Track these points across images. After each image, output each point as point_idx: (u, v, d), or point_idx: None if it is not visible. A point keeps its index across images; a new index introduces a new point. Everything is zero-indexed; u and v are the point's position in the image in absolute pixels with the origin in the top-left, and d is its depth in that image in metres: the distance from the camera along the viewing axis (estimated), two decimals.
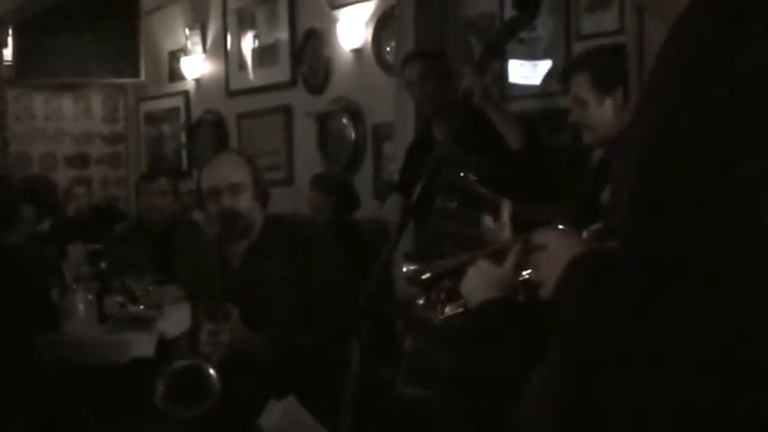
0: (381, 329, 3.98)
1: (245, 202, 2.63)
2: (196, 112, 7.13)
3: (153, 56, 7.58)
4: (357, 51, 5.47)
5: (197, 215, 4.23)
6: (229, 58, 6.65)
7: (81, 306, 3.66)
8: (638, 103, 1.08)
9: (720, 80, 0.87)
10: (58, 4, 7.01)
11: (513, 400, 1.14)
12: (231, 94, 6.68)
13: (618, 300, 0.92)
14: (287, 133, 6.16)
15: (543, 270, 1.11)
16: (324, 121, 5.74)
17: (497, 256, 1.43)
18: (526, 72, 4.28)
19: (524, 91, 4.28)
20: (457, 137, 3.16)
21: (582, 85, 2.37)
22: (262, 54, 6.34)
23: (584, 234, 1.17)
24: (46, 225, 4.80)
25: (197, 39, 7.01)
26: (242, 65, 6.53)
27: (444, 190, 2.25)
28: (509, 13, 4.20)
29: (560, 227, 1.19)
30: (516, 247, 1.37)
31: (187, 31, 7.11)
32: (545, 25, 4.14)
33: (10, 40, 7.24)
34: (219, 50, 6.77)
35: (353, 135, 5.52)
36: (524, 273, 1.33)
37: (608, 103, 2.35)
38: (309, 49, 5.88)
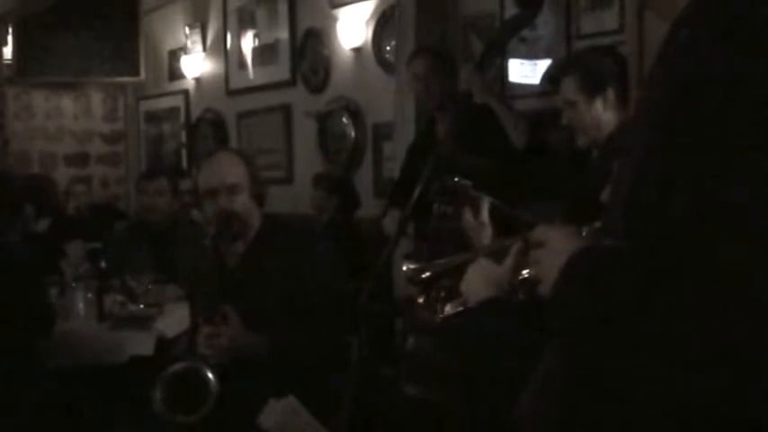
0: (381, 329, 3.98)
1: (241, 202, 2.63)
2: (196, 111, 7.13)
3: (153, 55, 7.58)
4: (357, 50, 5.47)
5: (197, 214, 4.23)
6: (229, 57, 6.65)
7: (81, 304, 3.66)
8: (638, 101, 1.08)
9: (720, 79, 0.87)
10: (58, 2, 7.01)
11: (512, 399, 1.14)
12: (231, 93, 6.68)
13: (617, 296, 0.92)
14: (287, 132, 6.16)
15: (542, 267, 1.11)
16: (324, 121, 5.74)
17: (497, 255, 1.43)
18: (526, 71, 4.28)
19: (524, 90, 4.27)
20: (457, 135, 3.16)
21: (571, 87, 2.39)
22: (262, 53, 6.34)
23: (584, 231, 1.17)
24: (44, 224, 4.79)
25: (197, 38, 7.01)
26: (242, 64, 6.53)
27: (440, 195, 2.26)
28: (509, 12, 4.20)
29: (560, 224, 1.19)
30: (516, 246, 1.37)
31: (187, 30, 7.11)
32: (545, 25, 4.14)
33: (10, 38, 7.25)
34: (219, 49, 6.77)
35: (353, 134, 5.52)
36: (524, 271, 1.33)
37: (598, 105, 2.36)
38: (309, 48, 5.88)
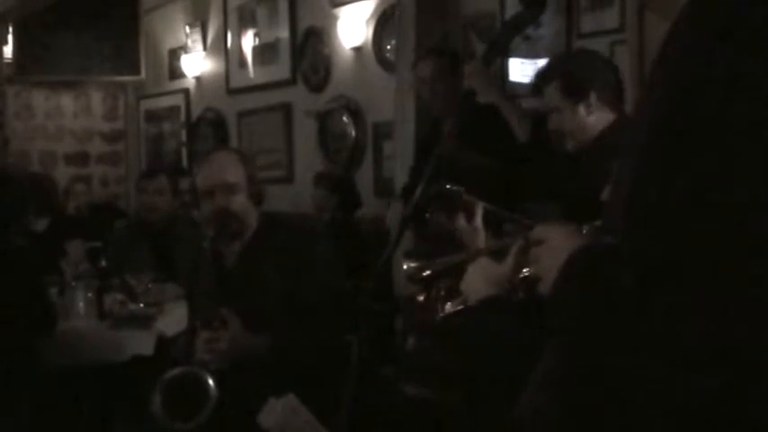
0: (381, 328, 3.98)
1: (238, 202, 2.62)
2: (196, 110, 7.13)
3: (153, 54, 7.58)
4: (357, 50, 5.47)
5: (197, 213, 4.23)
6: (230, 56, 6.65)
7: (81, 303, 3.66)
8: (639, 100, 1.08)
9: (720, 79, 0.87)
10: (58, 1, 7.01)
11: (512, 398, 1.14)
12: (231, 92, 6.68)
13: (616, 295, 0.92)
14: (287, 131, 6.16)
15: (542, 265, 1.11)
16: (324, 120, 5.74)
17: (498, 254, 1.43)
18: (527, 71, 4.28)
19: (525, 89, 4.27)
20: (459, 134, 3.16)
21: (554, 94, 2.42)
22: (262, 52, 6.34)
23: (584, 230, 1.17)
24: (44, 223, 4.79)
25: (197, 36, 7.01)
26: (242, 63, 6.53)
27: (434, 201, 2.27)
28: (510, 11, 4.20)
29: (560, 223, 1.19)
30: (517, 245, 1.37)
31: (187, 29, 7.11)
32: (546, 24, 4.14)
33: (10, 37, 7.24)
34: (220, 48, 6.77)
35: (354, 133, 5.52)
36: (524, 270, 1.33)
37: (581, 110, 2.38)
38: (310, 47, 5.87)
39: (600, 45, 3.86)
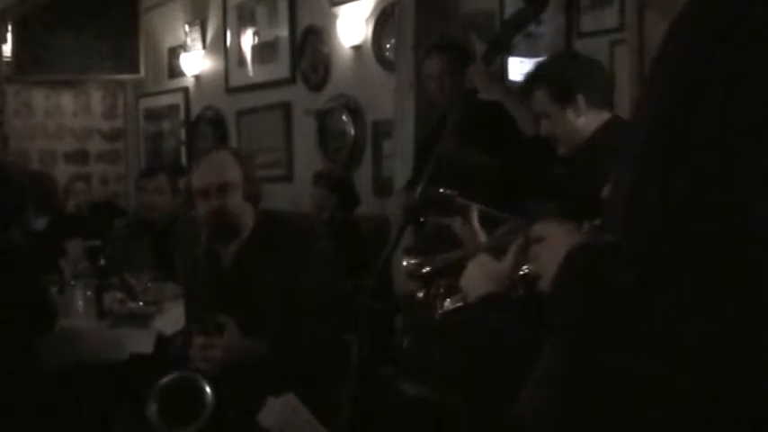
0: (381, 327, 3.98)
1: (234, 201, 2.60)
2: (195, 109, 7.13)
3: (153, 52, 7.58)
4: (357, 48, 5.46)
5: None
6: (229, 55, 6.64)
7: (80, 302, 3.66)
8: (638, 99, 1.08)
9: (720, 79, 0.87)
10: (57, 0, 7.00)
11: (512, 396, 1.14)
12: (231, 90, 6.68)
13: (615, 293, 0.91)
14: (286, 130, 6.16)
15: (542, 262, 1.11)
16: (323, 118, 5.74)
17: (497, 251, 1.42)
18: (527, 70, 4.27)
19: None
20: (460, 133, 3.15)
21: (542, 100, 2.43)
22: (261, 51, 6.34)
23: (584, 227, 1.17)
24: (43, 222, 4.79)
25: (197, 35, 7.00)
26: (242, 61, 6.52)
27: (428, 207, 2.27)
28: (509, 10, 4.19)
29: (560, 220, 1.19)
30: (517, 242, 1.36)
31: (187, 28, 7.11)
32: (546, 22, 4.14)
33: (9, 35, 7.24)
34: (219, 47, 6.77)
35: (353, 132, 5.52)
36: (524, 267, 1.33)
37: (569, 113, 2.39)
38: (309, 45, 5.87)
39: (600, 44, 3.86)
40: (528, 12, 3.07)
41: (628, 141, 1.03)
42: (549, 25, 4.16)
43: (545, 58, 2.95)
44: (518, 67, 4.33)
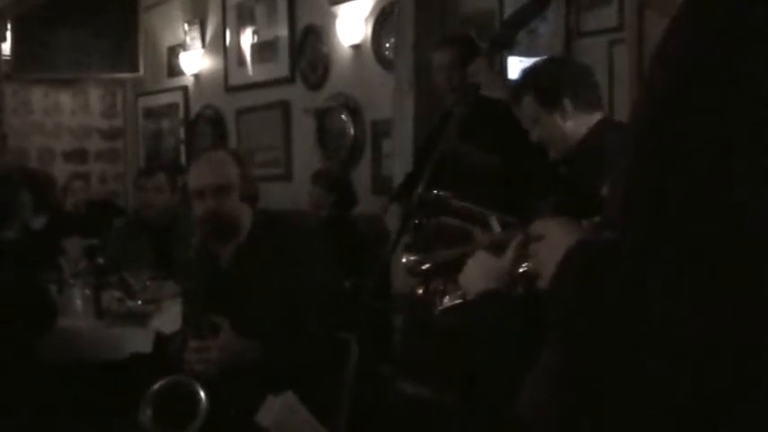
0: (380, 326, 3.98)
1: (231, 202, 2.59)
2: (195, 108, 7.12)
3: (152, 51, 7.57)
4: (356, 47, 5.46)
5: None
6: (228, 54, 6.64)
7: (79, 301, 3.66)
8: (637, 98, 1.08)
9: (718, 77, 0.87)
10: None
11: (511, 394, 1.13)
12: (230, 89, 6.68)
13: (614, 292, 0.91)
14: (285, 129, 6.16)
15: (541, 260, 1.11)
16: (322, 118, 5.74)
17: (497, 248, 1.42)
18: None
19: None
20: (462, 130, 3.15)
21: (529, 106, 2.45)
22: (261, 50, 6.33)
23: (584, 225, 1.17)
24: (41, 221, 4.78)
25: (196, 34, 7.00)
26: (241, 60, 6.52)
27: (423, 209, 2.27)
28: (508, 9, 4.20)
29: (560, 218, 1.19)
30: (516, 239, 1.36)
31: (186, 27, 7.10)
32: (545, 22, 4.14)
33: (8, 34, 7.23)
34: (218, 46, 6.76)
35: (352, 131, 5.52)
36: (524, 264, 1.32)
37: (557, 118, 2.41)
38: (308, 45, 5.87)
39: (599, 44, 3.86)
40: (531, 9, 3.07)
41: (626, 140, 1.03)
42: (548, 25, 4.16)
43: (530, 64, 2.97)
44: (517, 66, 4.33)
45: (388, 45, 5.14)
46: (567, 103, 2.39)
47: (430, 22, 4.42)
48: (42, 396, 3.12)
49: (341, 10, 5.53)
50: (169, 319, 3.36)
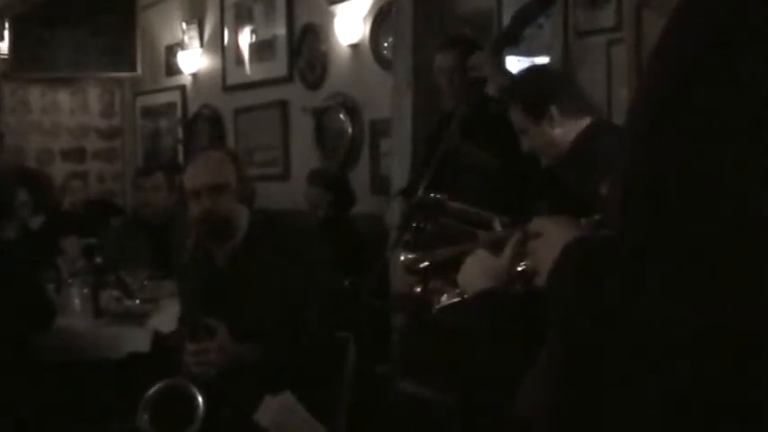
0: (379, 325, 3.98)
1: (227, 203, 2.58)
2: (193, 107, 7.12)
3: (150, 50, 7.57)
4: (354, 47, 5.46)
5: None
6: (226, 53, 6.64)
7: (76, 300, 3.66)
8: (635, 97, 1.08)
9: (718, 76, 0.87)
10: None
11: (509, 393, 1.13)
12: (228, 88, 6.67)
13: (610, 290, 0.91)
14: (284, 128, 6.16)
15: (539, 257, 1.11)
16: (321, 117, 5.74)
17: (495, 246, 1.42)
18: (523, 67, 4.27)
19: None
20: (465, 127, 3.15)
21: (518, 116, 2.48)
22: (259, 49, 6.33)
23: (583, 223, 1.17)
24: (39, 220, 4.78)
25: (194, 33, 7.00)
26: (239, 60, 6.52)
27: (420, 211, 2.28)
28: (507, 8, 4.19)
29: (558, 215, 1.19)
30: (514, 238, 1.36)
31: (184, 26, 7.10)
32: (543, 22, 4.13)
33: (6, 33, 7.22)
34: (216, 45, 6.76)
35: (350, 131, 5.51)
36: (522, 263, 1.33)
37: (545, 126, 2.44)
38: (307, 44, 5.87)
39: (597, 43, 3.86)
40: (537, 5, 3.08)
41: (623, 140, 1.03)
42: (547, 24, 4.16)
43: (514, 77, 2.99)
44: (516, 66, 4.33)
45: (386, 44, 5.14)
46: (553, 110, 2.42)
47: (428, 21, 4.42)
48: (40, 395, 3.12)
49: (339, 9, 5.53)
50: (167, 318, 3.36)
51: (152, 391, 2.34)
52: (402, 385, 3.23)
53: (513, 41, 3.36)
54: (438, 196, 2.24)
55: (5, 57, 7.25)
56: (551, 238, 1.09)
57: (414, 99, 4.35)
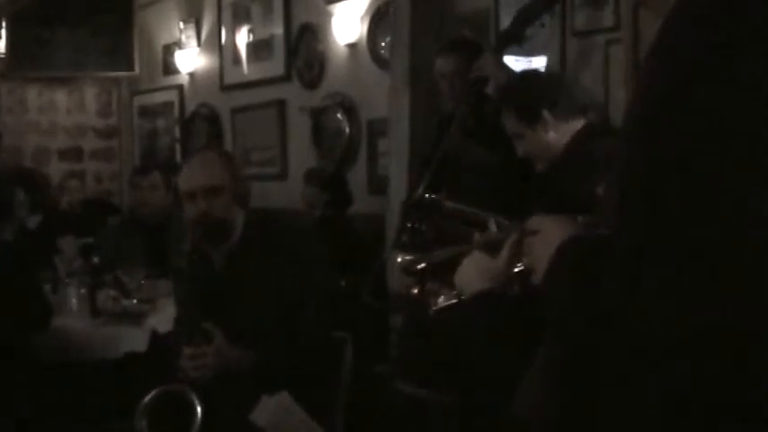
0: (377, 325, 3.98)
1: (222, 204, 2.57)
2: (190, 107, 7.11)
3: (147, 49, 7.56)
4: (352, 46, 5.46)
5: None
6: (224, 53, 6.63)
7: (74, 300, 3.66)
8: (632, 96, 1.08)
9: (719, 74, 0.87)
10: None
11: (507, 394, 1.13)
12: (225, 88, 6.67)
13: (606, 290, 0.91)
14: (281, 128, 6.15)
15: (535, 255, 1.11)
16: (318, 116, 5.73)
17: (492, 248, 1.42)
18: (522, 68, 4.27)
19: None
20: (466, 128, 3.14)
21: (512, 122, 2.49)
22: (256, 48, 6.32)
23: (580, 221, 1.17)
24: (36, 220, 4.78)
25: (191, 32, 6.99)
26: (236, 59, 6.51)
27: (416, 213, 2.28)
28: (504, 8, 4.19)
29: (555, 214, 1.19)
30: (511, 239, 1.36)
31: (182, 25, 7.09)
32: (540, 23, 4.13)
33: (3, 32, 7.21)
34: (214, 44, 6.75)
35: (348, 130, 5.51)
36: (519, 264, 1.32)
37: (539, 131, 2.44)
38: (304, 43, 5.86)
39: (595, 43, 3.86)
40: (540, 4, 3.08)
41: (620, 140, 1.03)
42: (544, 23, 4.16)
43: (505, 83, 2.99)
44: (513, 66, 4.33)
45: (383, 44, 5.13)
46: (546, 114, 2.43)
47: (425, 21, 4.41)
48: (37, 395, 3.12)
49: (336, 8, 5.53)
50: (164, 317, 3.36)
51: (149, 396, 2.33)
52: (400, 386, 3.22)
53: (516, 40, 3.35)
54: (434, 197, 2.24)
55: (2, 56, 7.24)
56: (548, 235, 1.09)
57: (411, 99, 4.35)
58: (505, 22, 3.63)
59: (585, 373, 0.95)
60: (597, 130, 2.45)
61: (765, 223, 0.82)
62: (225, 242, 2.62)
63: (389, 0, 4.76)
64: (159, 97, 7.54)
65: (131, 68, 7.55)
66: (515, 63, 4.31)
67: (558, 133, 2.43)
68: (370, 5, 5.29)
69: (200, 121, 6.91)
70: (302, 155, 5.91)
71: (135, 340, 3.42)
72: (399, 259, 1.65)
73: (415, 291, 1.61)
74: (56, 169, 7.43)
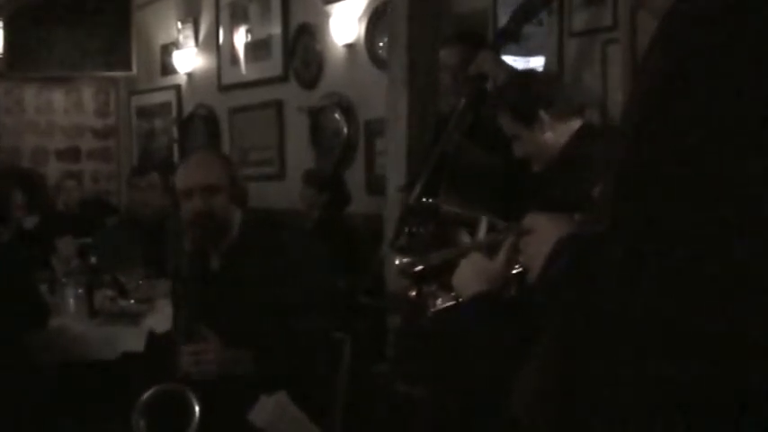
0: (375, 325, 3.98)
1: (219, 203, 2.58)
2: (188, 107, 7.11)
3: (145, 49, 7.55)
4: (350, 46, 5.46)
5: None
6: (222, 53, 6.63)
7: (71, 300, 3.65)
8: (630, 96, 1.08)
9: (709, 74, 0.87)
10: None
11: (505, 395, 1.13)
12: (223, 88, 6.66)
13: (604, 289, 0.91)
14: (279, 128, 6.15)
15: (531, 253, 1.11)
16: (316, 117, 5.73)
17: (490, 249, 1.43)
18: (518, 68, 4.27)
19: None
20: (465, 127, 3.14)
21: (508, 123, 2.49)
22: (254, 48, 6.32)
23: (576, 219, 1.17)
24: (33, 220, 4.78)
25: (189, 33, 6.99)
26: (234, 59, 6.51)
27: (413, 216, 2.28)
28: (502, 8, 4.19)
29: (552, 213, 1.19)
30: (509, 241, 1.36)
31: (179, 25, 7.09)
32: (538, 21, 4.13)
33: (1, 32, 7.20)
34: (212, 44, 6.75)
35: (346, 130, 5.51)
36: (516, 266, 1.32)
37: (536, 132, 2.45)
38: (302, 43, 5.86)
39: (592, 43, 3.86)
40: (538, 1, 3.07)
41: (618, 139, 1.03)
42: (542, 23, 4.16)
43: (500, 84, 2.98)
44: (512, 65, 4.33)
45: (381, 44, 5.13)
46: (542, 115, 2.43)
47: (423, 21, 4.41)
48: (35, 395, 3.12)
49: (334, 9, 5.53)
50: (162, 318, 3.36)
51: (146, 395, 2.33)
52: (398, 386, 3.22)
53: (514, 38, 3.35)
54: (430, 200, 2.24)
55: (0, 56, 7.23)
56: (544, 234, 1.09)
57: (409, 99, 4.34)
58: (503, 22, 3.62)
59: (584, 372, 0.95)
60: (594, 130, 2.45)
61: (765, 223, 0.82)
62: (222, 242, 2.62)
63: (387, 0, 4.75)
64: (157, 97, 7.53)
65: (129, 68, 7.54)
66: (513, 63, 4.32)
67: (555, 134, 2.44)
68: (368, 6, 5.29)
69: (198, 121, 6.90)
70: (300, 155, 5.91)
71: (132, 340, 3.42)
72: (397, 261, 1.65)
73: (413, 293, 1.61)
74: (53, 169, 7.42)
